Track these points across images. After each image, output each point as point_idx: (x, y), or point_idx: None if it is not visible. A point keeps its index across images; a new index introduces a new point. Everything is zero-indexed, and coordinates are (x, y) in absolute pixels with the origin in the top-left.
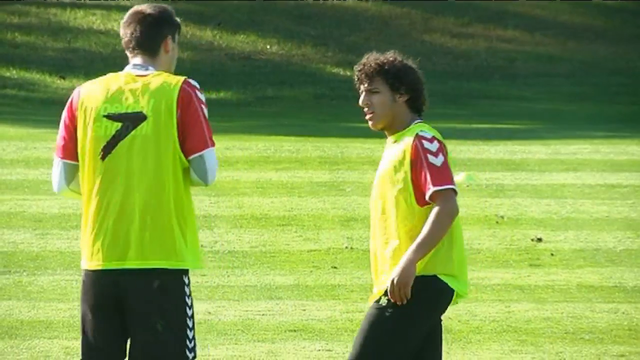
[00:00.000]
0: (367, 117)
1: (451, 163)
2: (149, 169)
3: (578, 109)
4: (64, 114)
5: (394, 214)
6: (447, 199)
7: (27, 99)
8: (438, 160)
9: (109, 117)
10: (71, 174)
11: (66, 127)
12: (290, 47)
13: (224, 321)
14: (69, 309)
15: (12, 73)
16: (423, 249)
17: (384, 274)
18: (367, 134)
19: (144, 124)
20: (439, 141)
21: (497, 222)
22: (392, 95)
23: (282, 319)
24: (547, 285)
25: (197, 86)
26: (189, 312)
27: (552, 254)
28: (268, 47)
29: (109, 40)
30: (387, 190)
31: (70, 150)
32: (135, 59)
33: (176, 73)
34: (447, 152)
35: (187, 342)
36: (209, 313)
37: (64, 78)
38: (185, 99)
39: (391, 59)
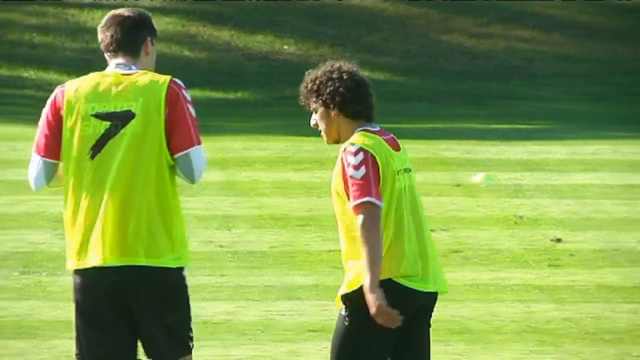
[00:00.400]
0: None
1: (463, 164)
2: (140, 166)
3: (597, 109)
4: (47, 112)
5: (340, 221)
6: (363, 212)
7: (45, 99)
8: (358, 174)
9: (97, 116)
10: (51, 172)
11: (49, 125)
12: (308, 47)
13: (245, 321)
14: None
15: (30, 74)
16: (370, 268)
17: (345, 278)
18: None
19: (132, 122)
20: (365, 152)
21: (516, 223)
22: (325, 110)
23: (302, 319)
24: (567, 286)
25: (183, 85)
26: (190, 305)
27: (571, 254)
28: (285, 47)
29: None
30: (335, 200)
31: (52, 148)
32: (118, 59)
33: (194, 73)
34: (376, 163)
35: (190, 334)
36: (229, 313)
37: None
38: (172, 98)
39: (315, 75)
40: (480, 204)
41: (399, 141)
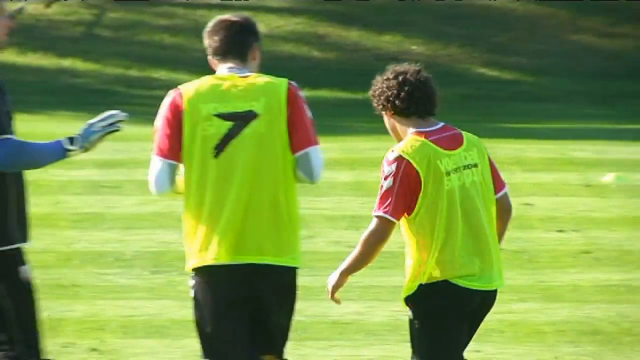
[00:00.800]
0: None
1: (593, 164)
2: (265, 165)
3: None
4: (165, 114)
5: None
6: (374, 224)
7: None
8: (386, 184)
9: (220, 116)
10: (173, 175)
11: (170, 127)
12: (436, 47)
13: (374, 321)
14: None
15: (161, 74)
16: (347, 266)
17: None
18: (516, 134)
19: (255, 121)
20: (400, 161)
21: None
22: (383, 113)
23: None
24: None
25: (298, 86)
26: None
27: None
28: (414, 47)
29: None
30: None
31: (174, 150)
32: (227, 64)
33: (323, 73)
34: (413, 170)
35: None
36: (359, 313)
37: None
38: (292, 98)
39: (375, 81)
40: (611, 204)
41: (464, 137)
